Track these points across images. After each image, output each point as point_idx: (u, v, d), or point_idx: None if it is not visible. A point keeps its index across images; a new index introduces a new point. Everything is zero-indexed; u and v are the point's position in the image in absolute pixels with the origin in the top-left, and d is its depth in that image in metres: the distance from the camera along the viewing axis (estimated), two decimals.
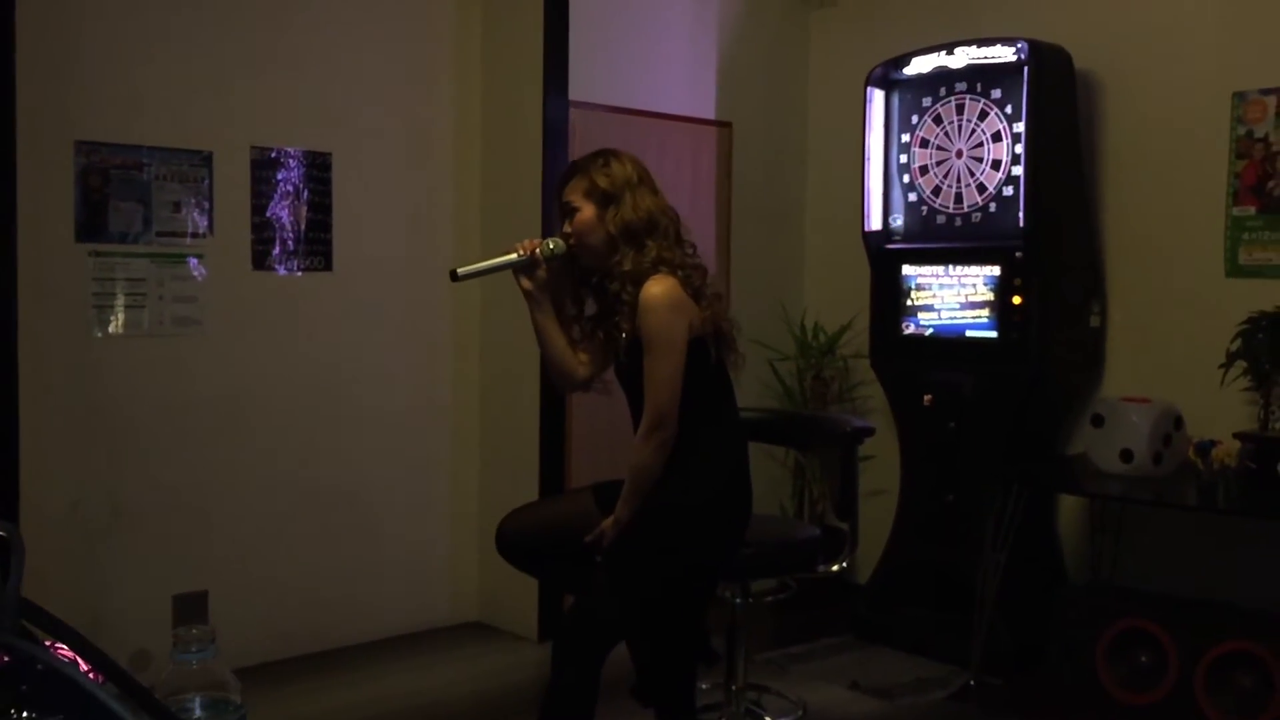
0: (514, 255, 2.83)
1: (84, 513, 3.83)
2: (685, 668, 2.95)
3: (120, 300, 3.88)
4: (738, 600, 3.02)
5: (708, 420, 2.78)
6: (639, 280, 2.71)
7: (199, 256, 4.03)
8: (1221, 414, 3.93)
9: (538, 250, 2.82)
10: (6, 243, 3.59)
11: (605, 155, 2.86)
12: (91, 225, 3.82)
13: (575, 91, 4.50)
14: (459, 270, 2.83)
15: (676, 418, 2.68)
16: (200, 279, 4.04)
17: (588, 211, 2.79)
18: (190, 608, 4.05)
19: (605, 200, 2.78)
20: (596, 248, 2.79)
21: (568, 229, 2.83)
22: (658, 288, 2.67)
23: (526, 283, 2.84)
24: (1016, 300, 4.25)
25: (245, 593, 4.17)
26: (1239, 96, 4.05)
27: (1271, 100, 3.99)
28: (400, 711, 3.85)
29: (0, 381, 3.59)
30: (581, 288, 2.90)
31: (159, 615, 3.98)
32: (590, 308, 2.90)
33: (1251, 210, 4.04)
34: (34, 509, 3.67)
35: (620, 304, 2.74)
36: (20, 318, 3.63)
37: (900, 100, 4.67)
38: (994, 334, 4.33)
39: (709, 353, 2.76)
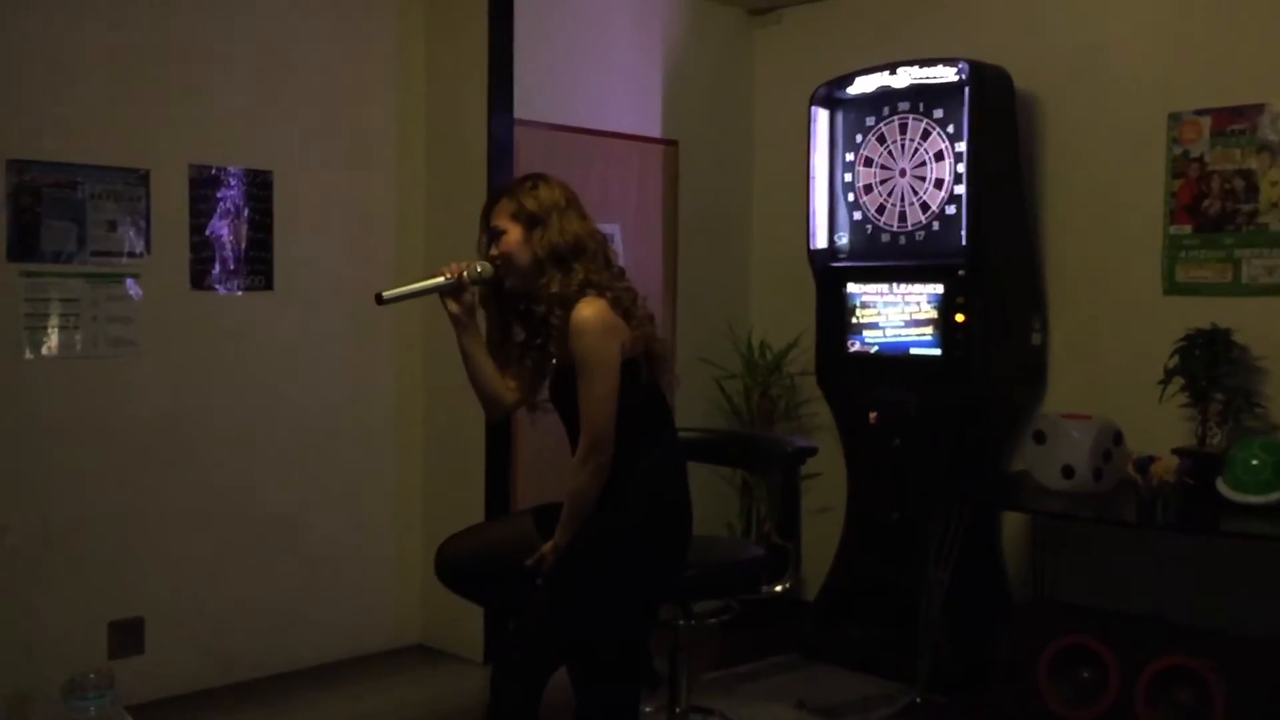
0: (440, 279, 2.82)
1: (14, 538, 3.74)
2: (628, 691, 2.92)
3: (54, 321, 3.81)
4: (680, 622, 3.00)
5: (644, 442, 2.76)
6: (567, 303, 2.69)
7: (135, 276, 3.96)
8: (1161, 429, 3.97)
9: (464, 274, 2.80)
10: None
11: (533, 179, 2.86)
12: (23, 245, 3.74)
13: (520, 110, 4.48)
14: (384, 294, 2.81)
15: (613, 440, 2.66)
16: (137, 299, 3.97)
17: (514, 234, 2.78)
18: (126, 634, 3.97)
19: (532, 222, 2.76)
20: (523, 270, 2.78)
21: (494, 253, 2.81)
22: (589, 310, 2.66)
23: (453, 306, 2.83)
24: (959, 318, 4.28)
25: (183, 618, 4.10)
26: (1174, 117, 4.11)
27: (1206, 121, 4.05)
28: None
29: None
30: (508, 313, 2.88)
31: (95, 642, 3.91)
32: (518, 334, 2.87)
33: (1188, 229, 4.10)
34: None
35: (547, 327, 2.73)
36: None
37: (844, 119, 4.69)
38: (938, 351, 4.36)
39: (640, 375, 2.75)
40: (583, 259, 2.74)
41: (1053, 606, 4.22)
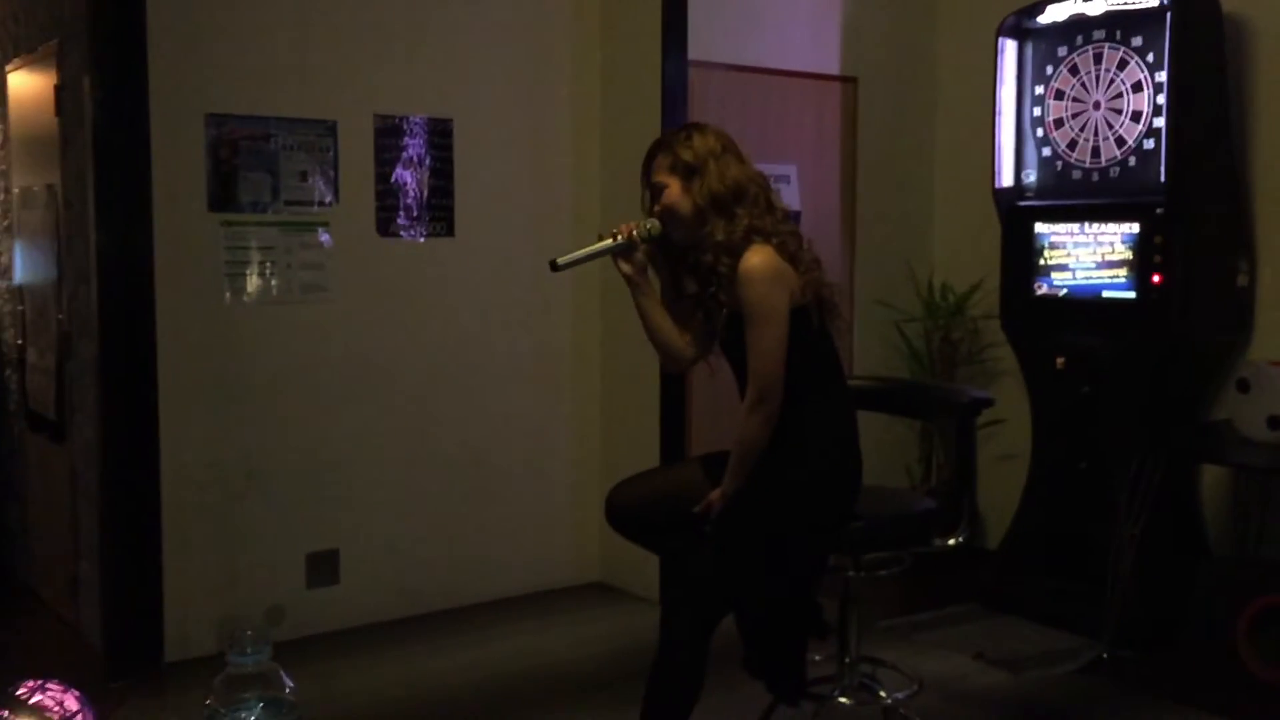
0: (611, 241, 2.82)
1: (220, 472, 3.98)
2: (795, 640, 2.92)
3: (252, 269, 4.00)
4: (850, 573, 2.97)
5: (814, 392, 2.72)
6: (733, 250, 2.67)
7: (325, 224, 4.12)
8: None
9: (634, 233, 2.80)
10: (143, 213, 3.73)
11: (687, 129, 2.83)
12: (223, 196, 3.94)
13: (694, 51, 4.44)
14: (559, 260, 2.83)
15: (781, 390, 2.64)
16: (328, 246, 4.13)
17: (674, 186, 2.76)
18: (322, 566, 4.19)
19: (689, 173, 2.74)
20: (687, 221, 2.75)
21: (657, 208, 2.80)
22: (756, 258, 2.63)
23: (626, 266, 2.84)
24: (1157, 259, 4.05)
25: (374, 552, 4.29)
26: None
27: None
28: (523, 670, 3.92)
29: (140, 347, 3.75)
30: (678, 267, 2.87)
31: (293, 572, 4.14)
32: (690, 287, 2.86)
33: None
34: (174, 469, 3.84)
35: (716, 276, 2.70)
36: (157, 285, 3.77)
37: (1034, 50, 4.47)
38: (1132, 295, 4.14)
39: (811, 322, 2.71)
40: (744, 204, 2.71)
41: (1255, 564, 4.00)
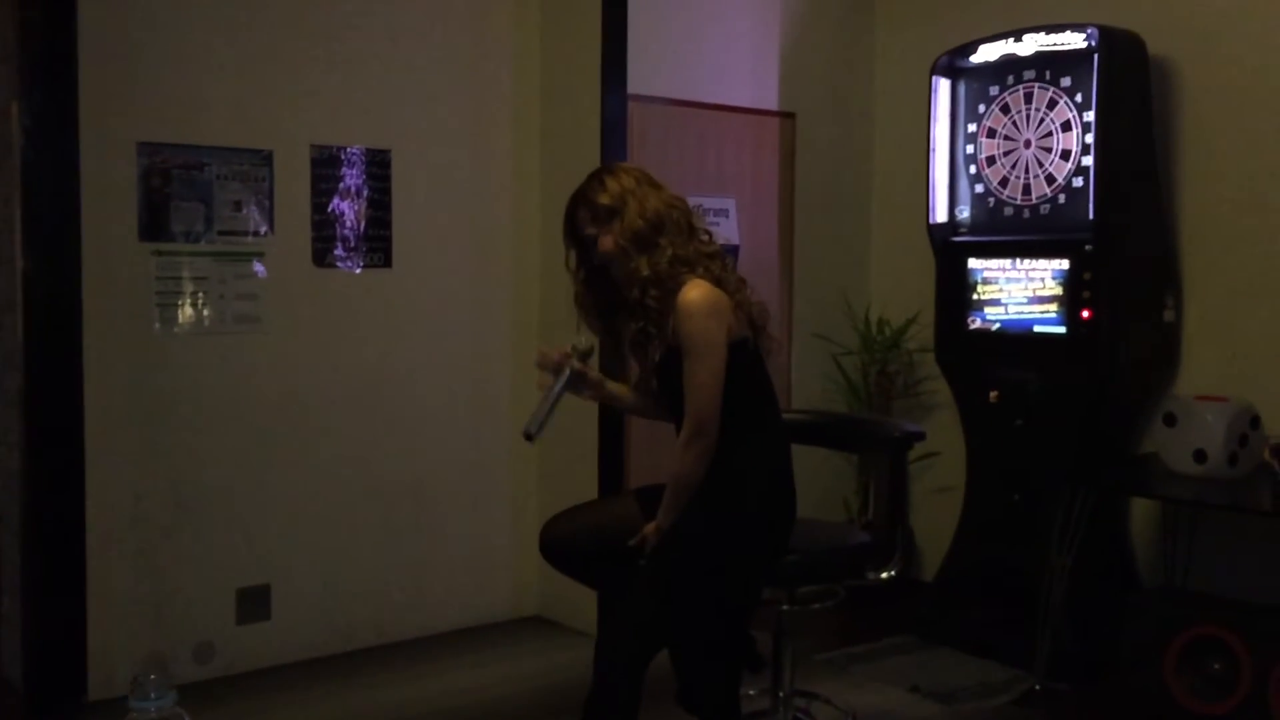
0: (561, 381, 2.80)
1: (148, 505, 3.90)
2: (729, 674, 2.92)
3: (183, 298, 3.95)
4: (784, 606, 2.97)
5: (750, 426, 2.74)
6: (660, 283, 2.68)
7: (260, 255, 4.08)
8: None
9: (573, 360, 2.82)
10: (71, 242, 3.67)
11: (599, 174, 2.85)
12: (154, 225, 3.88)
13: (634, 84, 4.46)
14: (531, 430, 2.75)
15: (718, 424, 2.64)
16: (262, 276, 4.08)
17: (605, 238, 2.77)
18: (253, 601, 4.11)
19: (610, 215, 2.75)
20: (619, 263, 2.78)
21: (597, 258, 2.81)
22: (694, 292, 2.64)
23: (587, 392, 2.92)
24: (1086, 294, 4.12)
25: (307, 587, 4.23)
26: None
27: None
28: (461, 707, 3.86)
29: (65, 376, 3.68)
30: (612, 321, 2.89)
31: (223, 608, 4.06)
32: (629, 331, 2.85)
33: None
34: (100, 502, 3.76)
35: (644, 310, 2.71)
36: (85, 315, 3.70)
37: (967, 89, 4.55)
38: (1063, 330, 4.21)
39: (748, 353, 2.72)
40: (665, 233, 2.72)
41: (1182, 595, 4.06)
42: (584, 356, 2.83)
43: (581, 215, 2.81)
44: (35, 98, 3.61)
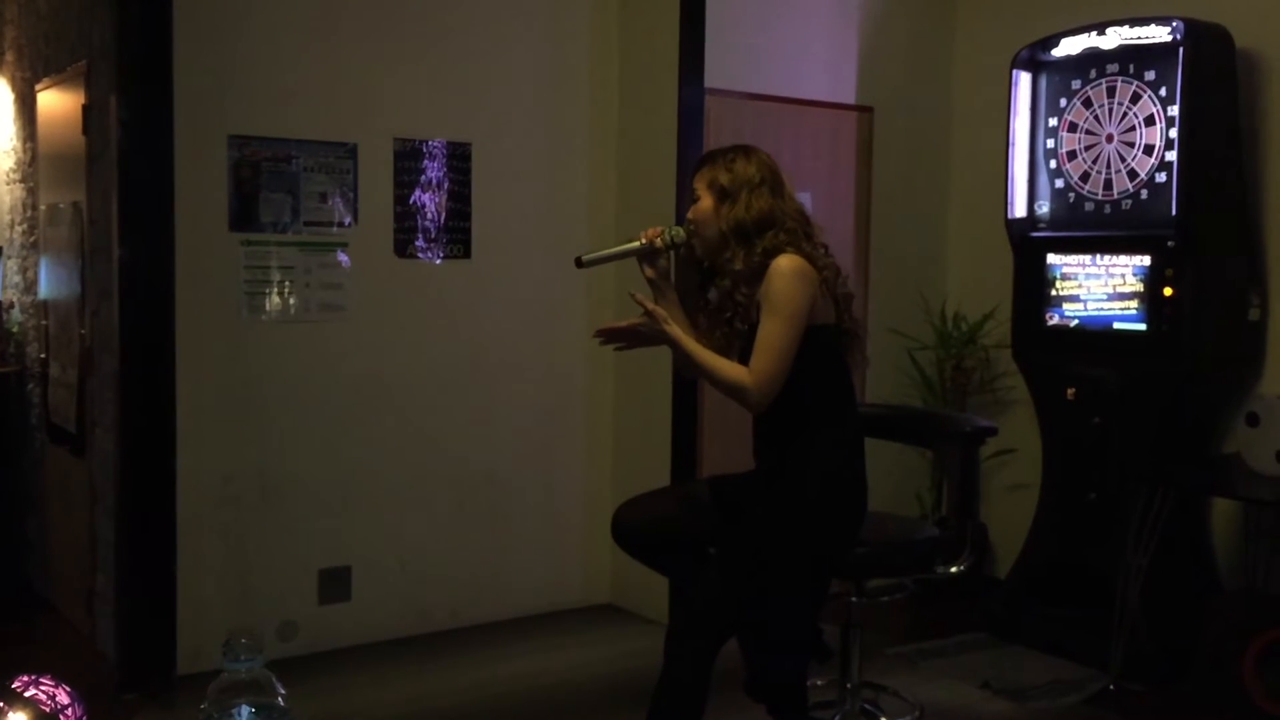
0: (637, 243, 2.87)
1: (235, 487, 4.03)
2: (797, 664, 2.94)
3: (270, 287, 4.06)
4: (852, 599, 2.99)
5: (828, 420, 2.75)
6: (750, 279, 2.70)
7: (344, 245, 4.18)
8: None
9: (660, 239, 2.84)
10: (166, 232, 3.80)
11: (736, 151, 2.85)
12: (244, 215, 4.00)
13: (711, 79, 4.49)
14: (584, 257, 2.90)
15: (772, 394, 2.63)
16: (346, 266, 4.19)
17: (706, 202, 2.81)
18: (334, 582, 4.23)
19: (723, 196, 2.78)
20: (711, 240, 2.81)
21: (689, 215, 2.84)
22: (786, 260, 2.66)
23: (650, 271, 2.88)
24: (1168, 291, 4.07)
25: (386, 569, 4.33)
26: None
27: None
28: (530, 691, 3.94)
29: (159, 363, 3.81)
30: (704, 280, 2.90)
31: (305, 588, 4.18)
32: (714, 298, 2.88)
33: None
34: (190, 484, 3.89)
35: (732, 303, 2.73)
36: (178, 303, 3.83)
37: (1048, 83, 4.50)
38: (1143, 326, 4.16)
39: (830, 340, 2.73)
40: (769, 233, 2.72)
41: (1263, 598, 3.99)
42: (671, 242, 2.85)
43: (703, 174, 2.84)
44: (133, 92, 3.75)
